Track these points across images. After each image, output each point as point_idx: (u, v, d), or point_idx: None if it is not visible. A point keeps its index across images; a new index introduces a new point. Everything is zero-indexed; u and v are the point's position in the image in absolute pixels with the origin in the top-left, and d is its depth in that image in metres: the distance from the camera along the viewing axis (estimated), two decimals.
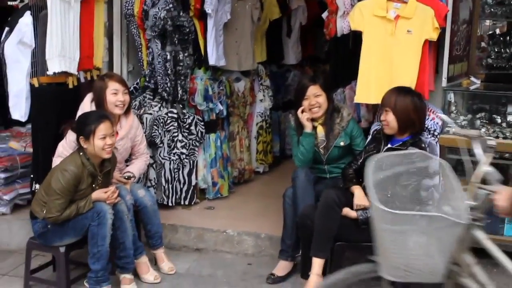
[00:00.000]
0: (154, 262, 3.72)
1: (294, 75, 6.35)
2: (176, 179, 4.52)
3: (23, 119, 4.03)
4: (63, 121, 3.55)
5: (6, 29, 3.91)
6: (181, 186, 4.55)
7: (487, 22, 5.88)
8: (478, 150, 2.09)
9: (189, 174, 4.57)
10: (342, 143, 3.58)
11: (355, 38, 4.17)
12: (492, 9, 4.52)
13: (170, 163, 4.49)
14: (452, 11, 3.69)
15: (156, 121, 4.40)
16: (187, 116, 4.53)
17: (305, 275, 3.33)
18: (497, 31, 5.62)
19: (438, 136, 3.48)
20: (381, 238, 2.07)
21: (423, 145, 3.16)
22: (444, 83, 3.79)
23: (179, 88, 4.43)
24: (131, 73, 4.75)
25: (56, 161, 3.47)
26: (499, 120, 3.83)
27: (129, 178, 3.67)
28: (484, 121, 3.84)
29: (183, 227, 4.17)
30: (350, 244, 3.22)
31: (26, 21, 3.85)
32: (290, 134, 3.90)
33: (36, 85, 3.89)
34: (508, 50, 4.71)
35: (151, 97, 4.55)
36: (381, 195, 2.28)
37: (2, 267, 3.81)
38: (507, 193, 1.70)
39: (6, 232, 4.16)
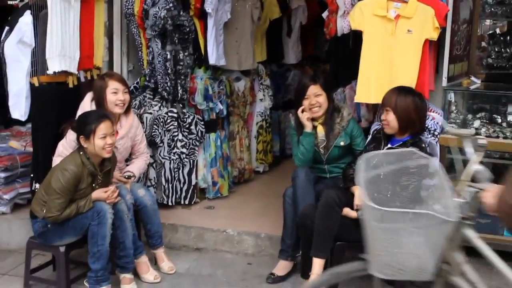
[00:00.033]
0: (154, 262, 3.72)
1: (294, 75, 6.36)
2: (176, 178, 4.52)
3: (23, 119, 4.03)
4: (63, 121, 3.55)
5: (6, 28, 3.91)
6: (181, 185, 4.55)
7: (487, 22, 5.87)
8: (469, 149, 2.10)
9: (189, 173, 4.57)
10: (342, 143, 3.58)
11: (356, 37, 4.16)
12: (492, 9, 4.52)
13: (170, 163, 4.49)
14: (453, 11, 3.68)
15: (156, 120, 4.40)
16: (187, 116, 4.53)
17: (305, 275, 3.33)
18: (497, 30, 5.61)
19: (438, 136, 3.48)
20: (371, 235, 2.08)
21: (423, 145, 3.16)
22: (444, 82, 3.79)
23: (179, 88, 4.43)
24: (131, 72, 4.75)
25: (56, 160, 3.47)
26: (499, 120, 3.83)
27: (129, 177, 3.67)
28: (484, 121, 3.84)
29: (183, 226, 4.17)
30: (350, 244, 3.22)
31: (26, 20, 3.84)
32: (290, 133, 3.90)
33: (36, 84, 3.89)
34: (508, 50, 4.70)
35: (151, 97, 4.55)
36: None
37: (2, 267, 3.81)
38: (495, 190, 1.71)
39: (6, 231, 4.16)
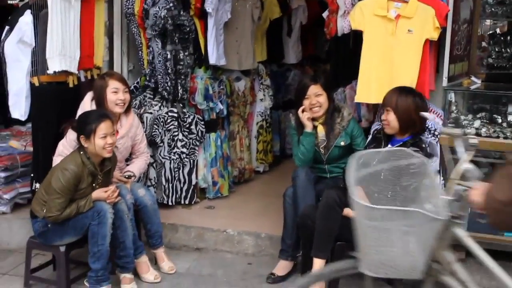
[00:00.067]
0: (154, 262, 3.72)
1: (294, 75, 6.36)
2: (176, 178, 4.52)
3: (23, 118, 4.03)
4: (63, 120, 3.55)
5: (6, 28, 3.91)
6: (181, 185, 4.55)
7: (488, 22, 5.88)
8: (460, 148, 2.12)
9: (189, 173, 4.57)
10: (342, 143, 3.58)
11: (356, 37, 4.17)
12: (492, 9, 4.53)
13: (170, 162, 4.49)
14: (453, 11, 3.68)
15: (156, 120, 4.40)
16: (187, 115, 4.53)
17: (306, 275, 3.32)
18: (498, 30, 5.62)
19: (438, 135, 3.48)
20: (362, 233, 2.09)
21: (423, 145, 3.16)
22: (444, 82, 3.79)
23: (179, 87, 4.43)
24: (132, 72, 4.75)
25: (56, 160, 3.46)
26: (499, 120, 3.82)
27: (129, 177, 3.67)
28: (485, 121, 3.84)
29: (183, 226, 4.17)
30: (351, 244, 3.21)
31: (26, 20, 3.84)
32: (291, 133, 3.90)
33: (37, 84, 3.89)
34: (508, 50, 4.71)
35: (152, 96, 4.55)
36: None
37: (2, 266, 3.80)
38: (482, 188, 1.72)
39: (6, 231, 4.15)
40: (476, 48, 4.50)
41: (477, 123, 3.78)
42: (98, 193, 3.28)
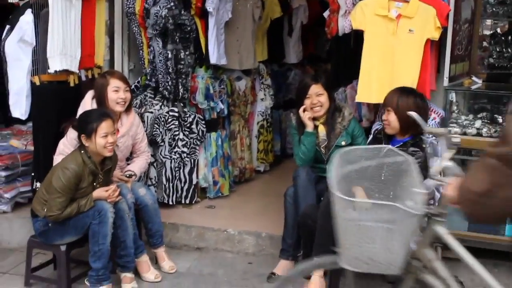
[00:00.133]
0: (154, 261, 3.72)
1: (295, 74, 6.36)
2: (177, 178, 4.52)
3: (23, 117, 4.03)
4: (64, 119, 3.55)
5: (7, 27, 3.91)
6: (182, 185, 4.55)
7: (489, 22, 5.88)
8: (442, 146, 2.13)
9: (190, 173, 4.57)
10: (343, 143, 3.57)
11: (357, 37, 4.16)
12: (493, 9, 4.53)
13: (171, 162, 4.49)
14: (454, 11, 3.68)
15: (157, 119, 4.40)
16: (188, 115, 4.53)
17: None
18: (499, 30, 5.62)
19: None
20: (341, 228, 2.10)
21: (424, 145, 3.16)
22: (445, 82, 3.78)
23: (180, 87, 4.43)
24: (132, 71, 4.75)
25: (57, 159, 3.47)
26: (500, 120, 3.82)
27: (130, 176, 3.67)
28: (486, 120, 3.84)
29: (184, 226, 4.17)
30: None
31: (27, 19, 3.84)
32: (291, 133, 3.89)
33: (37, 83, 3.89)
34: (509, 50, 4.71)
35: (152, 96, 4.55)
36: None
37: (2, 266, 3.81)
38: (456, 183, 1.72)
39: (7, 230, 4.16)
40: (477, 48, 4.50)
41: (478, 123, 3.78)
42: (98, 192, 3.28)
